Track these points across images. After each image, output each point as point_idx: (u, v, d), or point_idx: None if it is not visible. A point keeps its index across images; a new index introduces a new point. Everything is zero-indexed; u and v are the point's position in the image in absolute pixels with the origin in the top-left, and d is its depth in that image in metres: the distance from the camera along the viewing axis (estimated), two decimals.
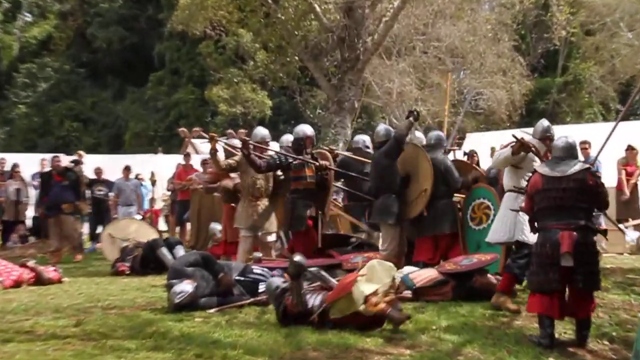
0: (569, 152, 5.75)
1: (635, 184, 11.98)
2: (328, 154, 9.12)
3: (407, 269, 7.51)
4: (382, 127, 8.69)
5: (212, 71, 30.82)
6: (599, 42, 26.41)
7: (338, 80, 16.02)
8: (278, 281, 6.37)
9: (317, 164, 8.59)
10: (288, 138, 9.35)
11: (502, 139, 10.46)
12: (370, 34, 15.99)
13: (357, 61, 15.77)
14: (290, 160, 8.52)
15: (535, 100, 28.12)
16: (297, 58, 18.80)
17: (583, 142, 11.00)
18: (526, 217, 6.07)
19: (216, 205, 11.36)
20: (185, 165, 13.98)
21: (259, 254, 8.53)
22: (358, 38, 15.73)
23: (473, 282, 7.03)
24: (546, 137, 6.96)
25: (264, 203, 8.67)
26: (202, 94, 30.79)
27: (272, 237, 8.76)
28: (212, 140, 8.40)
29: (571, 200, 5.48)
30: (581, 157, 9.22)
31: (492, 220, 7.57)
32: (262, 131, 8.88)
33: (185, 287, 6.57)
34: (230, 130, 12.59)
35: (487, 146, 13.25)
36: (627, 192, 11.81)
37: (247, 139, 8.49)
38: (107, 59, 38.42)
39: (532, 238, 6.31)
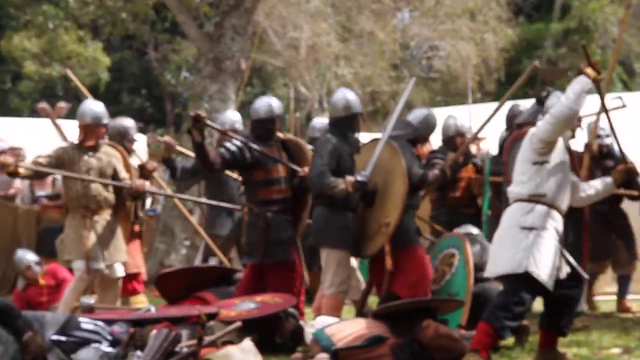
0: None
1: None
2: (302, 144, 9.25)
3: (322, 319, 7.62)
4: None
5: (12, 9, 30.27)
6: None
7: (215, 27, 15.96)
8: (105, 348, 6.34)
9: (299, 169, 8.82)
10: (233, 118, 9.62)
11: (470, 117, 10.60)
12: None
13: None
14: (257, 155, 8.65)
15: (519, 58, 28.74)
16: None
17: None
18: (546, 241, 6.44)
19: (21, 223, 11.26)
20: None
21: (90, 299, 8.44)
22: None
23: (421, 336, 7.13)
24: None
25: (104, 219, 8.89)
26: None
27: (119, 271, 9.03)
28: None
29: None
30: None
31: (457, 268, 7.98)
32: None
33: None
34: (43, 105, 12.34)
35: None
36: None
37: (204, 117, 8.44)
38: None
39: (547, 275, 6.67)
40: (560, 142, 7.01)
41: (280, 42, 22.98)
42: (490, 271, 7.24)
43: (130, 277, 9.81)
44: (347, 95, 8.67)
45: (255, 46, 17.79)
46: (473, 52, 23.84)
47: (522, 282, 6.86)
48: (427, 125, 8.99)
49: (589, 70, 6.81)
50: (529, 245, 6.85)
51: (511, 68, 27.27)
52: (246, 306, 8.19)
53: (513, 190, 7.15)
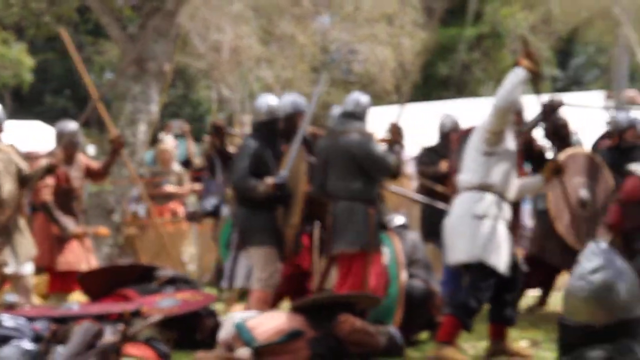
0: None
1: None
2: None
3: (241, 312, 7.69)
4: (263, 103, 8.72)
5: None
6: None
7: (138, 29, 15.86)
8: (27, 345, 6.34)
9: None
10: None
11: (387, 119, 10.72)
12: None
13: None
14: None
15: (435, 62, 28.94)
16: None
17: None
18: (495, 230, 6.61)
19: None
20: None
21: (13, 297, 8.48)
22: None
23: (337, 330, 7.24)
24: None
25: (13, 219, 8.80)
26: None
27: (28, 269, 8.91)
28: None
29: None
30: None
31: (389, 265, 7.95)
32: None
33: None
34: None
35: None
36: None
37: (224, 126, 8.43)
38: None
39: (502, 262, 6.80)
40: (508, 133, 7.13)
41: (203, 45, 22.85)
42: (451, 259, 7.37)
43: (67, 275, 9.60)
44: (269, 100, 8.69)
45: (179, 48, 17.72)
46: (390, 55, 23.97)
47: (479, 271, 7.02)
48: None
49: (526, 62, 6.94)
50: (481, 234, 7.00)
51: (427, 72, 27.45)
52: (167, 303, 8.22)
53: (463, 178, 7.26)
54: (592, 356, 3.70)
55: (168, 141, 14.05)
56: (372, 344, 7.34)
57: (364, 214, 7.99)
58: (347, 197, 8.04)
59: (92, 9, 17.14)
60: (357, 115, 8.24)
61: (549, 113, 7.65)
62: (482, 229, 7.03)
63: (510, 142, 7.23)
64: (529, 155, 8.04)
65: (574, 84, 35.66)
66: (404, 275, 8.23)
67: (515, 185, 7.37)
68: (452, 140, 9.89)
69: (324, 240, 8.43)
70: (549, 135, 7.95)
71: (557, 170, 7.53)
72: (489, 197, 7.10)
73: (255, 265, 8.47)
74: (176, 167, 13.19)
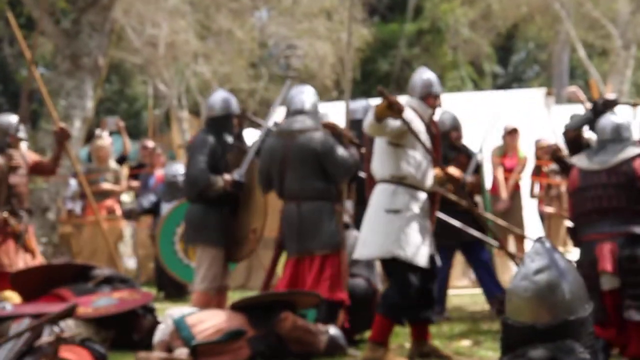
0: (617, 134, 6.30)
1: (517, 185, 12.58)
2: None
3: (180, 309, 7.66)
4: (218, 98, 8.67)
5: None
6: None
7: (72, 23, 15.74)
8: None
9: None
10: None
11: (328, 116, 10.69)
12: None
13: None
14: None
15: (374, 57, 29.02)
16: None
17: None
18: (410, 224, 6.67)
19: None
20: None
21: None
22: None
23: (278, 329, 7.25)
24: (429, 96, 7.28)
25: None
26: None
27: None
28: None
29: (614, 200, 6.14)
30: None
31: None
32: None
33: None
34: None
35: None
36: (504, 196, 12.39)
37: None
38: None
39: (419, 255, 6.82)
40: (417, 126, 7.09)
41: (138, 39, 22.70)
42: (359, 253, 7.34)
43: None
44: (224, 96, 8.68)
45: (113, 43, 17.61)
46: (330, 51, 24.01)
47: (399, 267, 7.01)
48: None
49: (379, 107, 6.76)
50: (394, 229, 6.97)
51: (366, 68, 27.50)
52: (104, 302, 8.15)
53: (376, 170, 7.23)
54: (533, 355, 3.76)
55: (104, 138, 13.92)
56: (313, 343, 7.35)
57: (332, 213, 7.94)
58: (312, 197, 7.91)
59: (24, 3, 16.98)
60: (308, 112, 8.13)
61: (600, 112, 7.55)
62: (395, 224, 6.99)
63: (421, 135, 7.13)
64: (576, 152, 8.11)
65: (515, 80, 35.96)
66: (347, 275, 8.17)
67: (432, 176, 7.31)
68: (452, 138, 9.95)
69: (281, 241, 8.27)
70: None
71: (451, 179, 7.49)
72: (402, 190, 7.06)
73: (201, 265, 8.44)
74: (112, 164, 13.08)
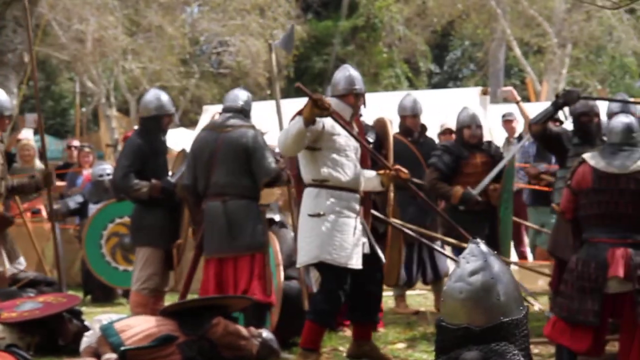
0: (629, 137, 6.36)
1: None
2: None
3: (108, 315, 7.61)
4: (152, 97, 8.59)
5: None
6: None
7: None
8: None
9: None
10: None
11: (261, 114, 10.70)
12: None
13: None
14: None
15: (309, 55, 29.08)
16: None
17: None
18: (336, 226, 6.67)
19: None
20: None
21: None
22: None
23: (210, 334, 7.25)
24: (350, 94, 7.27)
25: None
26: None
27: None
28: None
29: (630, 207, 6.25)
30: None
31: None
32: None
33: None
34: None
35: None
36: None
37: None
38: None
39: (348, 257, 6.81)
40: (329, 128, 6.99)
41: (65, 35, 22.54)
42: (299, 261, 7.33)
43: None
44: (158, 96, 8.63)
45: (39, 39, 17.45)
46: (263, 48, 24.02)
47: (328, 270, 7.02)
48: None
49: (306, 109, 6.74)
50: (319, 233, 6.95)
51: (300, 65, 27.54)
52: (28, 307, 8.07)
53: (302, 174, 7.22)
54: (467, 357, 3.79)
55: (29, 136, 13.77)
56: (245, 348, 7.36)
57: (257, 212, 7.92)
58: (238, 195, 7.84)
59: None
60: (243, 112, 8.11)
61: (560, 105, 7.70)
62: (319, 227, 6.96)
63: (340, 137, 7.08)
64: (549, 147, 8.25)
65: (451, 79, 36.23)
66: (281, 277, 8.18)
67: (362, 176, 7.24)
68: (408, 124, 9.96)
69: (200, 242, 8.16)
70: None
71: (396, 178, 7.49)
72: (325, 193, 7.01)
73: (136, 264, 8.49)
74: (38, 163, 12.92)
